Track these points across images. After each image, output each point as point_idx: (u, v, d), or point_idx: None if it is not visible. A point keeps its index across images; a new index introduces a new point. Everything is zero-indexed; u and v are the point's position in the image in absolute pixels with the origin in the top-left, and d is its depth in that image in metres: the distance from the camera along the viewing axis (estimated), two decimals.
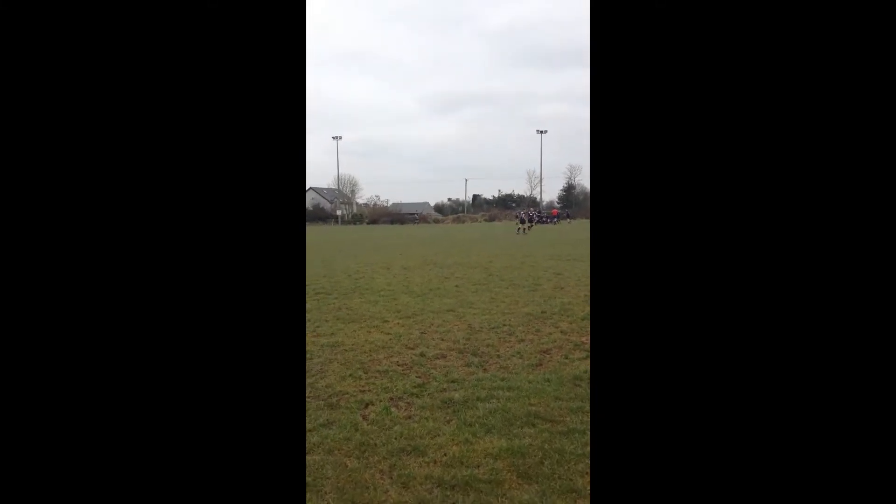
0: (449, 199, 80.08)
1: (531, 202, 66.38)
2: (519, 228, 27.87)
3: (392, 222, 55.13)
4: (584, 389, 3.47)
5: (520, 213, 35.55)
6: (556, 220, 44.32)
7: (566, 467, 2.44)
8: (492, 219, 59.12)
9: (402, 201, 71.25)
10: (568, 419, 2.98)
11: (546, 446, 2.65)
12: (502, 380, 3.70)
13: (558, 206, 63.25)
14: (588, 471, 2.40)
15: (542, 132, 63.94)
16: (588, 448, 2.61)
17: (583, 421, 2.95)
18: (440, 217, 64.72)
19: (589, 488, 2.24)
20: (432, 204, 77.12)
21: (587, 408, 3.14)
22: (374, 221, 55.81)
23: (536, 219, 34.79)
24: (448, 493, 2.26)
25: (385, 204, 67.18)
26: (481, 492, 2.25)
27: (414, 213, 62.70)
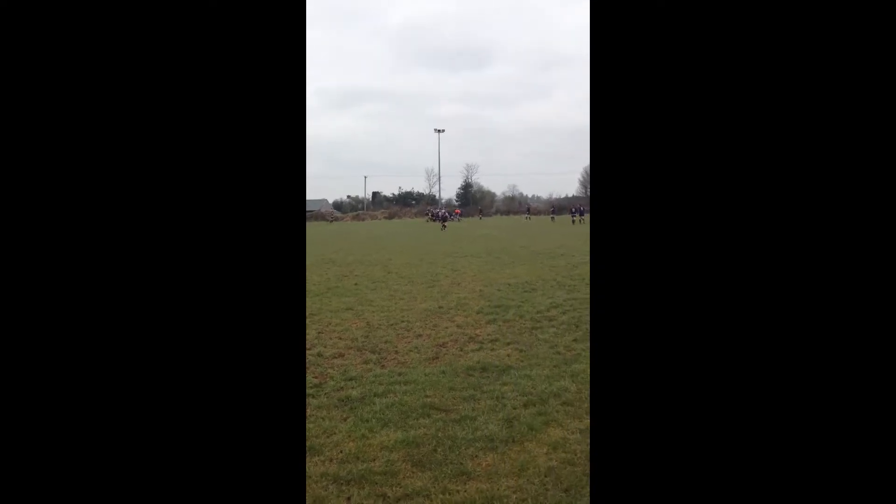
0: (348, 196, 78.69)
1: (430, 199, 67.29)
2: (443, 226, 30.78)
3: None
4: (477, 379, 3.66)
5: (438, 212, 39.56)
6: (458, 218, 45.96)
7: (457, 452, 2.58)
8: (391, 216, 59.09)
9: None
10: (461, 407, 3.14)
11: (440, 434, 2.77)
12: (399, 374, 3.78)
13: (456, 203, 64.93)
14: (477, 454, 2.56)
15: (439, 131, 64.97)
16: (478, 433, 2.78)
17: (474, 409, 3.12)
18: (339, 214, 63.32)
19: (478, 471, 2.40)
20: (331, 201, 75.23)
21: (478, 396, 3.32)
22: None
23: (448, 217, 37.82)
24: (343, 487, 2.29)
25: None
26: (376, 483, 2.31)
27: (312, 210, 60.74)
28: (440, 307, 6.23)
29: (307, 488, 2.28)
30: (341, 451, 2.62)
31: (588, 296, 6.68)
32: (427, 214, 47.39)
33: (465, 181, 75.07)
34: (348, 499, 2.21)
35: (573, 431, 2.77)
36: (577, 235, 19.30)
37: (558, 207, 43.05)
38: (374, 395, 3.36)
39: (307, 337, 4.93)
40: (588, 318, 5.46)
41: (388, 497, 2.21)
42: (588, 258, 11.02)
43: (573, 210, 35.69)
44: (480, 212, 53.29)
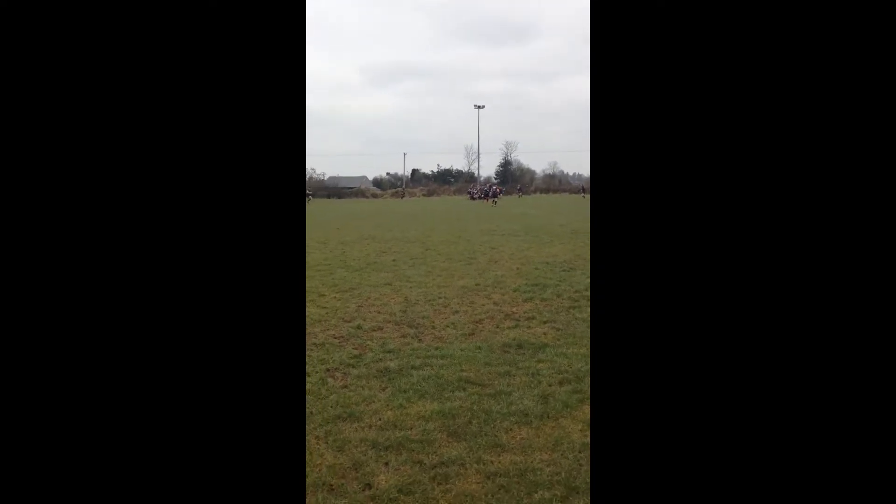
0: (388, 174, 79.11)
1: (469, 177, 66.91)
2: (494, 202, 32.93)
3: (329, 196, 53.88)
4: (513, 356, 3.69)
5: (486, 188, 41.86)
6: (494, 199, 45.93)
7: (492, 425, 2.63)
8: (430, 193, 59.14)
9: (340, 174, 69.70)
10: (496, 382, 3.18)
11: (475, 407, 2.83)
12: (436, 349, 3.86)
13: (496, 181, 64.34)
14: (511, 428, 2.61)
15: (479, 107, 64.11)
16: (513, 407, 2.82)
17: (509, 384, 3.16)
18: (378, 191, 63.92)
19: (512, 444, 2.44)
20: (370, 178, 75.96)
21: (514, 372, 3.36)
22: (310, 195, 54.33)
23: (492, 194, 38.17)
24: (381, 453, 2.38)
25: (321, 178, 65.38)
26: (413, 451, 2.39)
27: (352, 188, 61.53)
28: (477, 284, 6.27)
29: (348, 452, 2.39)
30: (380, 419, 2.72)
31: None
32: (467, 193, 47.00)
33: (504, 158, 74.32)
34: (386, 463, 2.30)
35: None
36: None
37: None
38: (412, 368, 3.44)
39: (347, 310, 5.07)
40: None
41: (425, 464, 2.28)
42: None
43: (583, 189, 35.52)
44: (520, 190, 52.31)
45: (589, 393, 2.98)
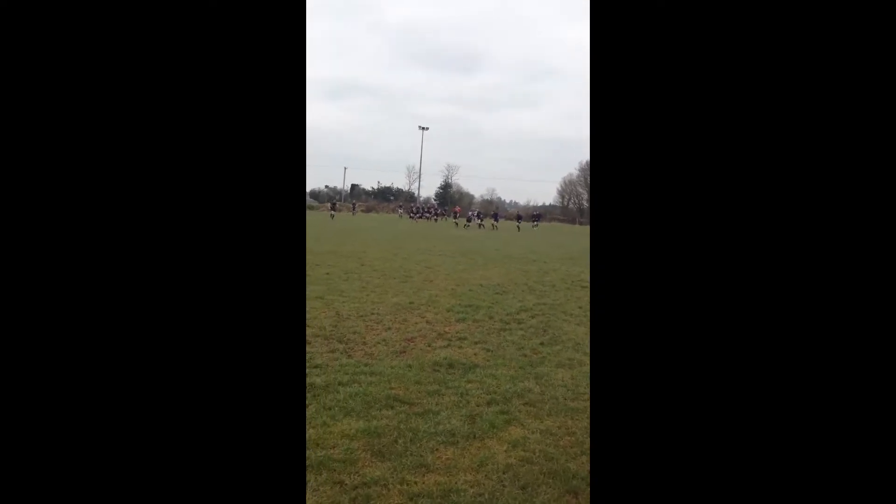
0: (326, 187, 77.75)
1: (409, 196, 67.10)
2: (480, 225, 32.11)
3: None
4: (443, 374, 3.67)
5: (471, 213, 38.04)
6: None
7: (418, 445, 2.58)
8: (369, 210, 58.66)
9: None
10: (424, 401, 3.15)
11: (402, 426, 2.77)
12: (366, 365, 3.77)
13: (435, 202, 64.97)
14: (437, 448, 2.58)
15: (423, 128, 64.82)
16: (440, 427, 2.79)
17: (438, 403, 3.13)
18: (315, 203, 62.57)
19: (436, 464, 2.41)
20: (308, 189, 74.27)
21: (443, 391, 3.34)
22: None
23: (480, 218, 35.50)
24: None
25: None
26: (334, 470, 2.30)
27: None
28: (411, 302, 6.23)
29: None
30: None
31: (556, 301, 6.80)
32: (408, 211, 46.10)
33: (444, 180, 75.22)
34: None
35: (533, 431, 2.81)
36: (548, 242, 19.51)
37: (527, 215, 43.39)
38: (339, 384, 3.34)
39: None
40: (556, 323, 5.55)
41: (346, 484, 2.20)
42: (557, 265, 11.15)
43: (518, 217, 36.71)
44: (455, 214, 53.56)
45: (513, 415, 3.01)
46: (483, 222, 33.29)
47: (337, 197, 71.57)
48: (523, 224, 35.39)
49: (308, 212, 49.73)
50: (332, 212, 31.85)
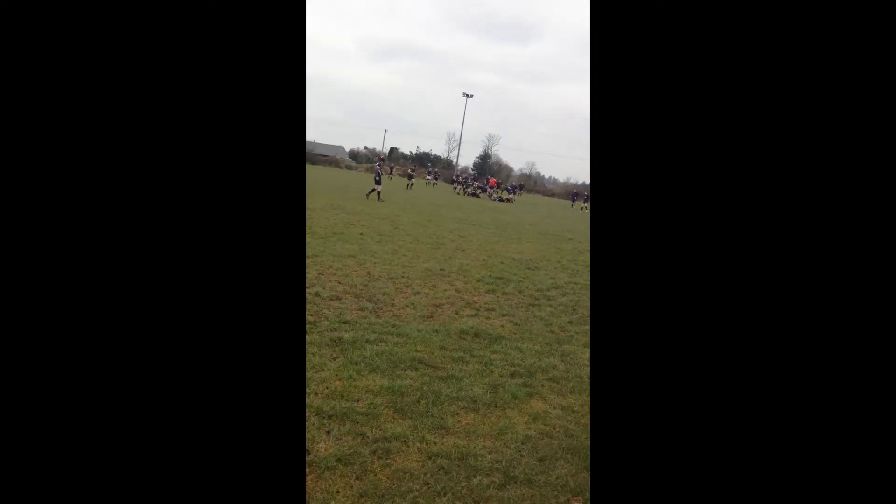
0: (365, 147, 77.80)
1: (447, 164, 66.70)
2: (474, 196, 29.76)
3: None
4: (469, 343, 3.69)
5: (484, 185, 35.12)
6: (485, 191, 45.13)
7: (440, 407, 2.62)
8: (407, 176, 58.67)
9: (317, 141, 68.11)
10: (448, 366, 3.18)
11: (425, 388, 2.81)
12: (393, 326, 3.82)
13: (472, 172, 64.46)
14: (458, 412, 2.61)
15: (468, 95, 63.75)
16: (462, 392, 2.82)
17: (461, 369, 3.16)
18: (353, 164, 62.90)
19: (457, 427, 2.44)
20: (347, 149, 74.59)
21: (467, 358, 3.36)
22: None
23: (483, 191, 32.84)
24: (325, 421, 2.34)
25: None
26: (357, 422, 2.36)
27: (326, 156, 60.32)
28: (442, 269, 6.25)
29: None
30: (327, 388, 2.67)
31: (588, 281, 6.69)
32: (452, 183, 41.67)
33: (484, 150, 74.26)
34: (328, 432, 2.26)
35: (555, 406, 2.82)
36: (587, 222, 19.17)
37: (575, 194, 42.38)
38: (366, 342, 3.40)
39: (307, 276, 4.96)
40: (587, 302, 5.49)
41: (367, 436, 2.26)
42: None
43: (573, 196, 35.35)
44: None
45: (535, 388, 3.01)
46: (500, 195, 30.18)
47: (375, 158, 71.73)
48: (552, 200, 33.85)
49: (345, 171, 49.84)
50: (411, 181, 29.22)
